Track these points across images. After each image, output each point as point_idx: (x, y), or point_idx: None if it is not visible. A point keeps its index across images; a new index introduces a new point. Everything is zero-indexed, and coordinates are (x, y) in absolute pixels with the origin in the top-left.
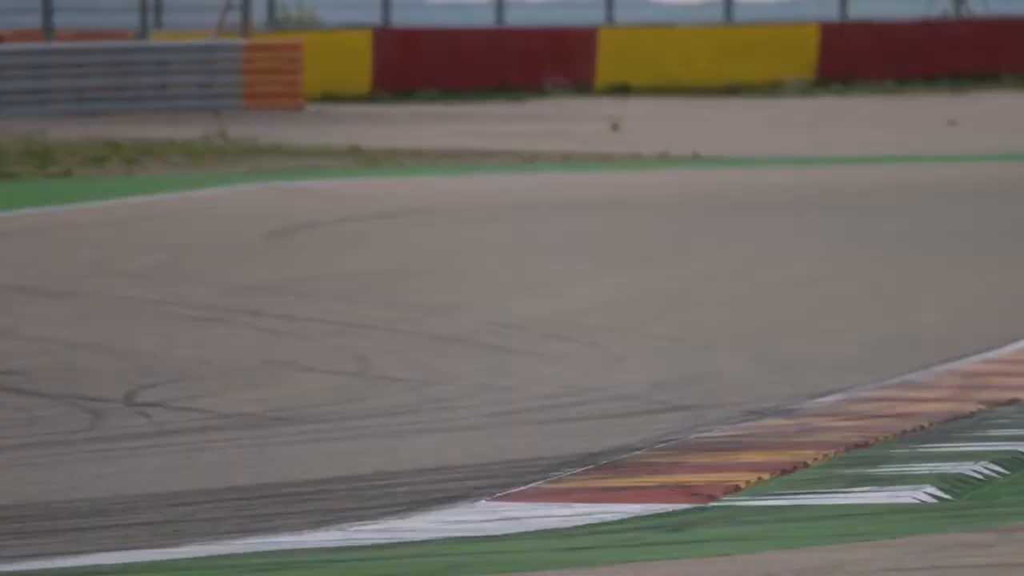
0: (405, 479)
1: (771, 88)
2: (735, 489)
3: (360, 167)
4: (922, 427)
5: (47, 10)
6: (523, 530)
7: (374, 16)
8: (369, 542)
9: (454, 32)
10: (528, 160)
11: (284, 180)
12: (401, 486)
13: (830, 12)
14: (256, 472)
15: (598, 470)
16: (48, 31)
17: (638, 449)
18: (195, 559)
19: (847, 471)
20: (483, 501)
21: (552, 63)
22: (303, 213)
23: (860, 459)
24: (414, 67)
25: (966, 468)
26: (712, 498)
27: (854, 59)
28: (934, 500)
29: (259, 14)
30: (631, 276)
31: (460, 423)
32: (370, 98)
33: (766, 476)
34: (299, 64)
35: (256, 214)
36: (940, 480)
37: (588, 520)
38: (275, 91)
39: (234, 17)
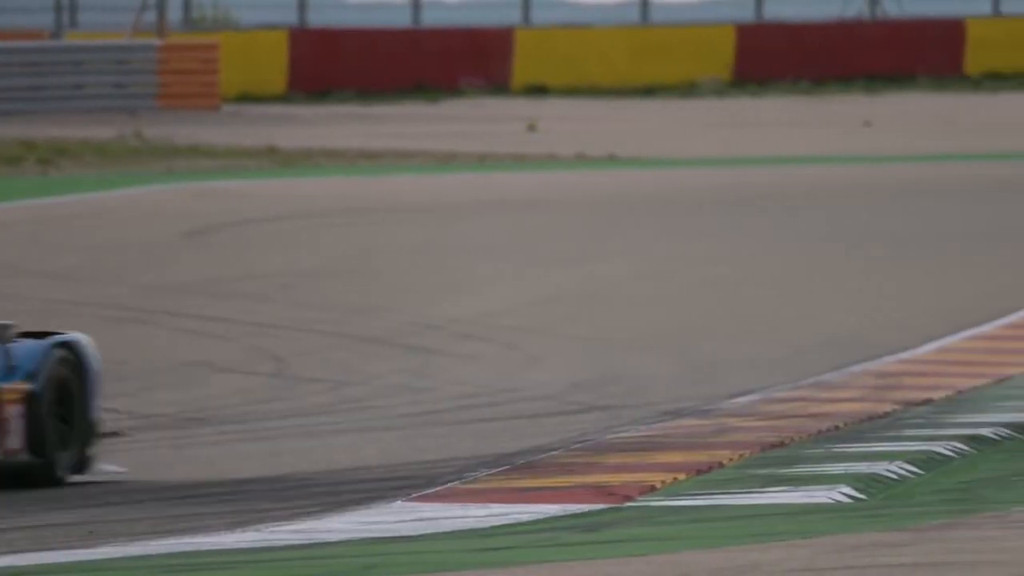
0: (322, 480)
1: (687, 89)
2: (651, 489)
3: (277, 167)
4: (837, 427)
5: None
6: (439, 530)
7: (290, 16)
8: (285, 543)
9: (370, 32)
10: (445, 160)
11: (200, 180)
12: (317, 487)
13: (746, 13)
14: (172, 473)
15: (514, 470)
16: None
17: (554, 449)
18: (110, 560)
19: (762, 471)
20: (399, 502)
21: (469, 63)
22: (220, 214)
23: (775, 459)
24: (330, 67)
25: (880, 468)
26: (628, 498)
27: (770, 60)
28: (849, 500)
29: (174, 14)
30: (549, 277)
31: (377, 423)
32: (286, 98)
33: (682, 476)
34: (215, 64)
35: (172, 214)
36: (855, 480)
37: (504, 520)
38: (191, 91)
39: (149, 17)
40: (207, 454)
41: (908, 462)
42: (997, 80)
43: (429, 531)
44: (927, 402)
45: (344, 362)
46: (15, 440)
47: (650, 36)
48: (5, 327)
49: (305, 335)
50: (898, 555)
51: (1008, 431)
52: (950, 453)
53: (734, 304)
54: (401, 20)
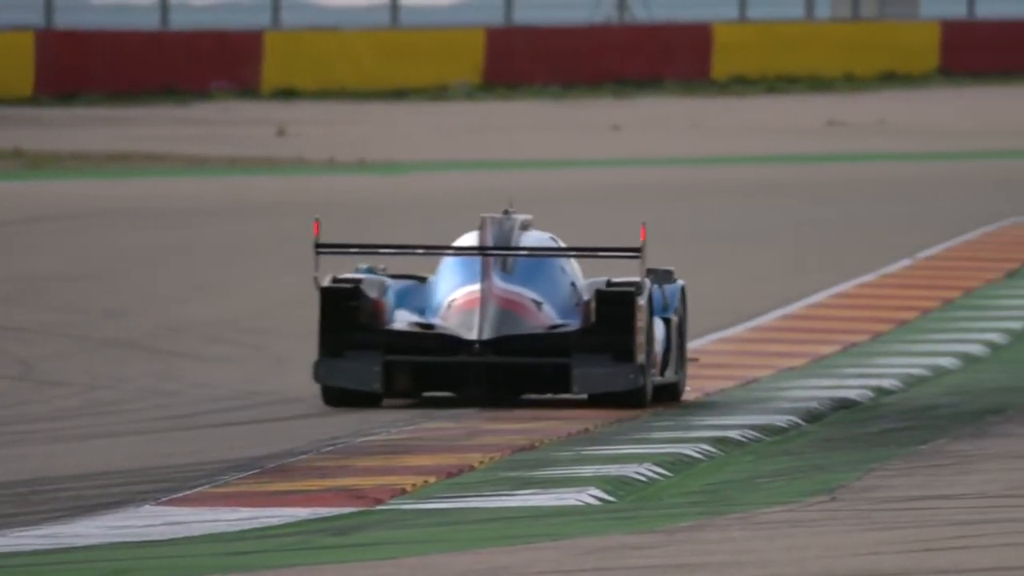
0: (69, 484)
1: (438, 92)
2: (401, 492)
3: (23, 170)
4: (587, 430)
5: None
6: (189, 535)
7: (36, 17)
8: (31, 548)
9: (118, 34)
10: (194, 164)
11: None
12: (65, 491)
13: (496, 17)
14: None
15: (264, 474)
16: None
17: (304, 453)
18: None
19: (513, 474)
20: (148, 505)
21: (218, 66)
22: None
23: (525, 462)
24: (78, 69)
25: (629, 470)
26: (378, 501)
27: (520, 63)
28: (598, 502)
29: None
30: (298, 279)
31: (125, 428)
32: (33, 100)
33: (432, 479)
34: None
35: None
36: (604, 482)
37: (254, 524)
38: None
39: None
40: None
41: (657, 464)
42: (743, 84)
43: (179, 535)
44: (676, 404)
45: (91, 366)
46: (674, 362)
47: (400, 39)
48: (669, 272)
49: (52, 338)
50: (647, 556)
51: (754, 433)
52: (698, 455)
53: None
54: (149, 22)
